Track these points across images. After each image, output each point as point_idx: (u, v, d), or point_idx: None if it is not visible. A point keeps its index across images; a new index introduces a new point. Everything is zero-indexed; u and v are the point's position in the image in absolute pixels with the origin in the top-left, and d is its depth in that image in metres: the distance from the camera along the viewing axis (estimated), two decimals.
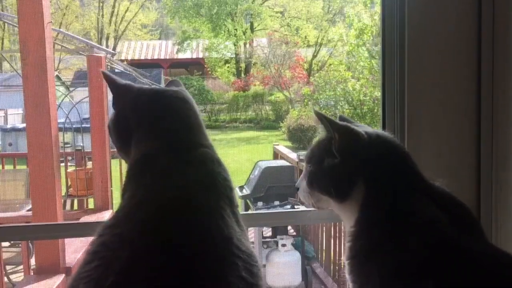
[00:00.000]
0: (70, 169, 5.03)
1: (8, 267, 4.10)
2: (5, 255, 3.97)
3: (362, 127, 0.92)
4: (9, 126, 9.84)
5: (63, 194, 4.75)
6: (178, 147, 0.88)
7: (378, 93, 7.49)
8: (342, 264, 4.04)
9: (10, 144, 9.01)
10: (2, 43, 12.82)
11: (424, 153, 1.19)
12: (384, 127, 1.23)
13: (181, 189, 0.80)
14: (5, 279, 3.87)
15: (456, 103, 1.21)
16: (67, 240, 3.13)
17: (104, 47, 10.42)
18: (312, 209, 0.98)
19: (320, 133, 0.94)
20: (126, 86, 0.96)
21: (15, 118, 10.70)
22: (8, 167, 5.25)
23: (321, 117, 0.90)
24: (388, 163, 0.86)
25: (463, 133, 1.21)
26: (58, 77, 11.45)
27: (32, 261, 3.45)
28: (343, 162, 0.87)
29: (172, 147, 0.88)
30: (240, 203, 4.62)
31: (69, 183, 4.90)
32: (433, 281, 0.72)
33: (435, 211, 0.80)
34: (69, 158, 5.40)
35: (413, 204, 0.81)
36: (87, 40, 5.00)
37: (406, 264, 0.74)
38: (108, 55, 4.99)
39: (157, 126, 0.91)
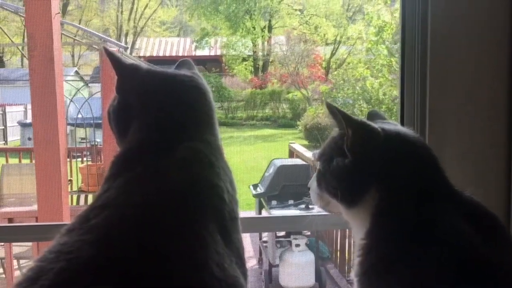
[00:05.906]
0: (82, 164, 5.03)
1: (21, 261, 4.10)
2: (18, 249, 3.98)
3: (389, 124, 0.82)
4: (28, 120, 9.96)
5: (75, 189, 4.75)
6: (165, 143, 0.76)
7: (397, 92, 7.32)
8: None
9: (30, 139, 9.11)
10: (23, 38, 13.00)
11: (447, 156, 1.08)
12: None
13: (148, 197, 0.67)
14: (18, 272, 3.86)
15: (484, 103, 1.11)
16: None
17: (122, 43, 10.46)
18: (323, 213, 0.88)
19: (333, 130, 0.85)
20: (133, 66, 0.84)
21: None
22: (25, 161, 5.27)
23: (333, 110, 0.78)
24: (408, 166, 0.75)
25: (491, 134, 1.10)
26: (77, 73, 11.59)
27: None
28: (354, 162, 0.76)
29: (158, 142, 0.76)
30: (254, 201, 4.55)
31: (81, 178, 4.90)
32: None
33: (461, 223, 0.70)
34: (86, 153, 5.40)
35: (437, 215, 0.71)
36: (99, 34, 4.99)
37: (428, 281, 0.65)
38: (121, 49, 4.97)
39: (153, 115, 0.80)
